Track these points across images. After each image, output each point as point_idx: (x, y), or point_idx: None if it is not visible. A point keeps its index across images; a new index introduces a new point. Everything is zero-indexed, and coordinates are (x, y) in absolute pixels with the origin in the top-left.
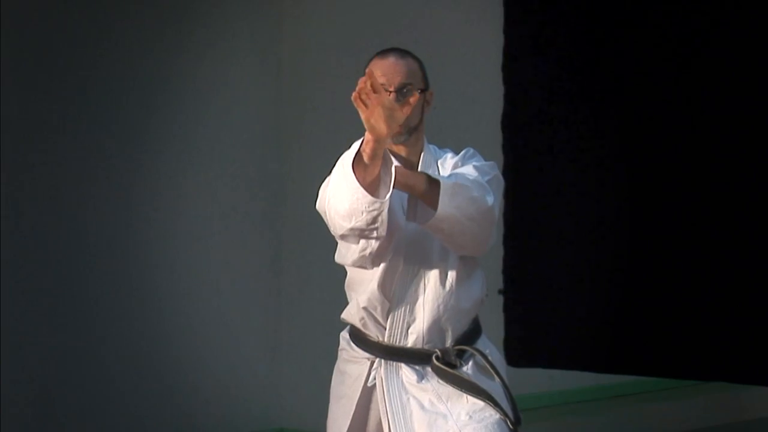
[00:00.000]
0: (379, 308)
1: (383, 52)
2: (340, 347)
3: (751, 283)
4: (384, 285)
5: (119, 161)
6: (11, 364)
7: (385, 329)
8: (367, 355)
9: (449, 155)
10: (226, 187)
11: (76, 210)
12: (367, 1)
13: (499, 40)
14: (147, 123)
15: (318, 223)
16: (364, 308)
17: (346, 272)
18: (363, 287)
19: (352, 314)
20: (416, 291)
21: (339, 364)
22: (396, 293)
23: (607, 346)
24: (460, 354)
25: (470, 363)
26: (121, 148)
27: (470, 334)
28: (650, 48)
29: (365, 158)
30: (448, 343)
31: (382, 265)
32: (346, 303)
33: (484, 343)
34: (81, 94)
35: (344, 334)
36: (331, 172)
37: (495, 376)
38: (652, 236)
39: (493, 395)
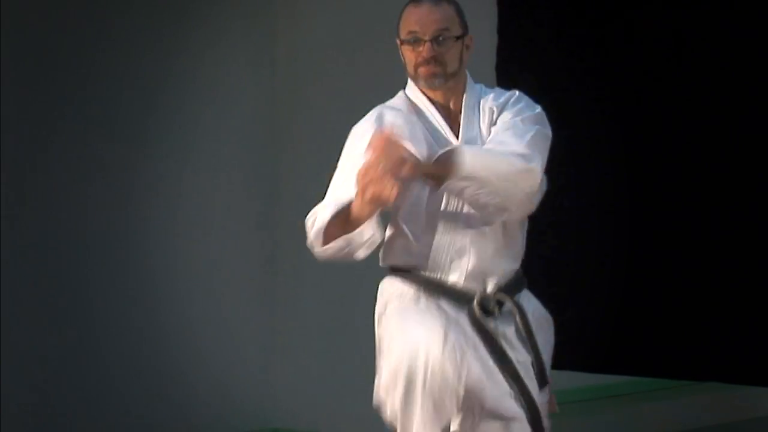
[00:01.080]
0: (423, 237)
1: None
2: (381, 289)
3: (746, 287)
4: (431, 214)
5: (115, 163)
6: (11, 364)
7: (428, 260)
8: (409, 283)
9: (491, 96)
10: (220, 188)
11: (74, 211)
12: (361, 2)
13: (492, 42)
14: (142, 125)
15: None
16: (409, 234)
17: (339, 277)
18: (411, 215)
19: (394, 249)
20: (462, 226)
21: (394, 311)
22: (441, 223)
23: (603, 348)
24: (500, 304)
25: (508, 324)
26: (117, 149)
27: (513, 285)
28: (645, 51)
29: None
30: (490, 289)
31: (430, 196)
32: (341, 304)
33: (527, 298)
34: (78, 95)
35: (387, 284)
36: (325, 177)
37: (528, 341)
38: (647, 241)
39: (519, 370)
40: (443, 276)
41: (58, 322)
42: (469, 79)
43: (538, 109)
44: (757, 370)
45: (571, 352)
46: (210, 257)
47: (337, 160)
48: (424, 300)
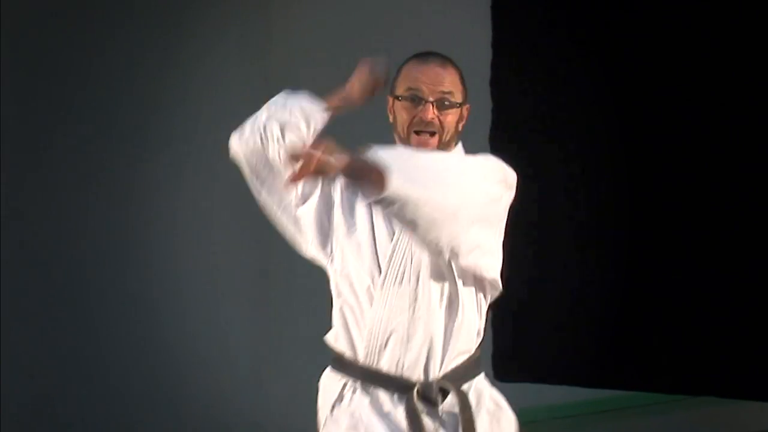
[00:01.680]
0: (357, 311)
1: (422, 55)
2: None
3: (740, 300)
4: (363, 283)
5: (112, 169)
6: (11, 364)
7: (362, 342)
8: (340, 376)
9: None
10: (215, 197)
11: (71, 216)
12: (355, 12)
13: (487, 52)
14: (137, 133)
15: None
16: (341, 310)
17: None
18: (345, 286)
19: (332, 333)
20: (401, 300)
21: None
22: (378, 297)
23: (596, 362)
24: (444, 393)
25: (450, 420)
26: (112, 158)
27: (463, 371)
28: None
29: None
30: (434, 375)
31: (366, 262)
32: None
33: (481, 389)
34: (75, 103)
35: (325, 379)
36: None
37: None
38: (641, 254)
39: None
40: (378, 363)
41: (55, 325)
42: (459, 148)
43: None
44: (752, 384)
45: (564, 367)
46: (204, 267)
47: None
48: (357, 399)
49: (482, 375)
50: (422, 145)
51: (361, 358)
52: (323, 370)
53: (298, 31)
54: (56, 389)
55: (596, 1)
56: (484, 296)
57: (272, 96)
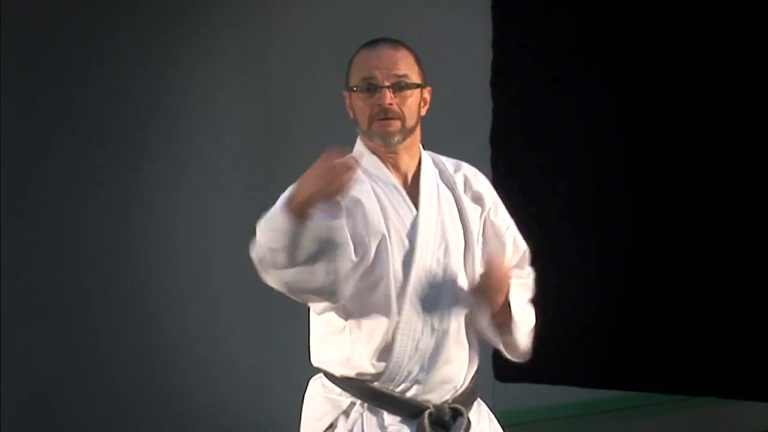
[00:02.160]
0: (374, 335)
1: (372, 43)
2: (307, 397)
3: (740, 301)
4: (387, 308)
5: (112, 174)
6: (11, 364)
7: (377, 366)
8: (347, 394)
9: (447, 165)
10: (214, 203)
11: (71, 221)
12: (356, 15)
13: (487, 54)
14: (136, 139)
15: None
16: (350, 333)
17: None
18: (366, 313)
19: (330, 351)
20: (424, 326)
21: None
22: (399, 324)
23: (596, 362)
24: (455, 416)
25: None
26: (111, 163)
27: (469, 393)
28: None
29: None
30: (445, 398)
31: (388, 293)
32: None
33: (479, 412)
34: (76, 100)
35: (314, 381)
36: None
37: None
38: (641, 254)
39: None
40: (395, 386)
41: (55, 326)
42: (420, 142)
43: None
44: (752, 384)
45: (563, 367)
46: (203, 273)
47: None
48: (362, 421)
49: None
50: (385, 128)
51: (375, 381)
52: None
53: (297, 32)
54: (56, 389)
55: (596, 2)
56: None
57: (272, 98)
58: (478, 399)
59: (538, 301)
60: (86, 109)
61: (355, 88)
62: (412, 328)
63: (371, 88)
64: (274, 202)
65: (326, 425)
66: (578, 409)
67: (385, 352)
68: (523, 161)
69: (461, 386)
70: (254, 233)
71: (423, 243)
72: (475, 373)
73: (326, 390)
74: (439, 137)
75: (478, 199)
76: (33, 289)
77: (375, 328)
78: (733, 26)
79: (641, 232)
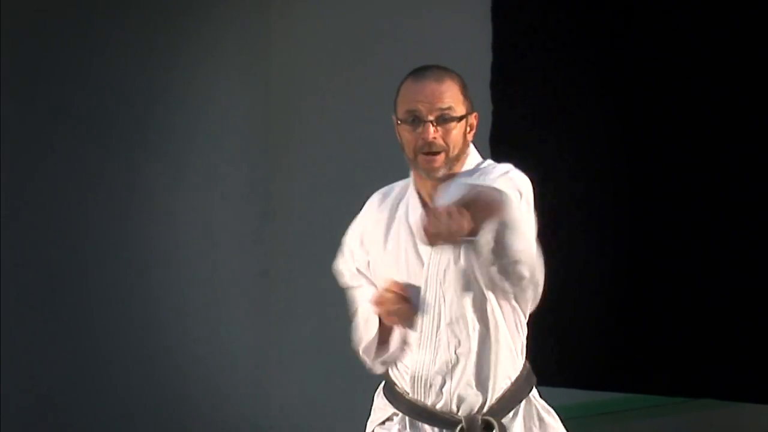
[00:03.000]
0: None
1: (418, 73)
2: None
3: (739, 303)
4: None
5: (113, 171)
6: (11, 364)
7: (408, 379)
8: (393, 410)
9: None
10: (214, 204)
11: (74, 214)
12: (355, 14)
13: (487, 57)
14: (136, 139)
15: (305, 240)
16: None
17: (332, 289)
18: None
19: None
20: (441, 341)
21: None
22: (418, 341)
23: (595, 364)
24: (489, 427)
25: None
26: (111, 165)
27: (510, 396)
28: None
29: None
30: (476, 409)
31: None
32: (334, 319)
33: (525, 411)
34: (76, 100)
35: (379, 402)
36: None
37: None
38: (640, 256)
39: None
40: (425, 399)
41: (55, 325)
42: (472, 154)
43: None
44: (752, 387)
45: (562, 369)
46: (204, 274)
47: (330, 177)
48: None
49: (532, 394)
50: (429, 164)
51: (409, 393)
52: (323, 370)
53: (297, 33)
54: (56, 389)
55: (596, 3)
56: (524, 312)
57: (271, 99)
58: (529, 400)
59: (539, 303)
60: (85, 110)
61: (400, 121)
62: (429, 341)
63: (416, 121)
64: (273, 203)
65: (376, 424)
66: (577, 411)
67: (410, 364)
68: (522, 161)
69: (491, 396)
70: (254, 234)
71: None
72: (518, 377)
73: (383, 394)
74: None
75: None
76: (33, 289)
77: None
78: (733, 24)
79: (641, 234)
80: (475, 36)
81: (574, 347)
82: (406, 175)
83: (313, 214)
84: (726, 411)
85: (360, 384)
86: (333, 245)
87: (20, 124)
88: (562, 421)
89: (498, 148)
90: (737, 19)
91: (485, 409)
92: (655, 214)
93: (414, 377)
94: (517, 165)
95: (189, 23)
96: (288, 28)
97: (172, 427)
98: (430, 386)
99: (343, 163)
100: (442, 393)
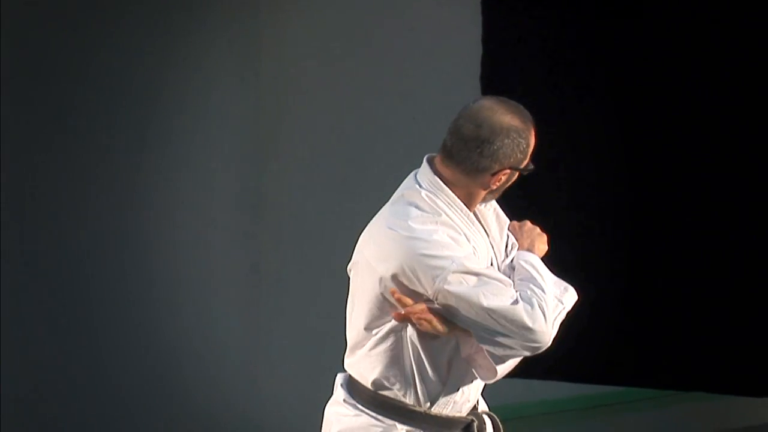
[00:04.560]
0: (433, 371)
1: (532, 121)
2: (341, 413)
3: (733, 298)
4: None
5: (109, 169)
6: (11, 364)
7: (431, 395)
8: (391, 422)
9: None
10: (205, 200)
11: (72, 213)
12: (346, 16)
13: (477, 50)
14: (129, 139)
15: (296, 236)
16: (412, 363)
17: (322, 285)
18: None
19: (389, 377)
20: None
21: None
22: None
23: (587, 358)
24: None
25: None
26: (105, 163)
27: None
28: (630, 58)
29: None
30: (473, 404)
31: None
32: (325, 314)
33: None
34: (75, 100)
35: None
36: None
37: None
38: (636, 251)
39: None
40: (443, 410)
41: (58, 323)
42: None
43: None
44: (744, 380)
45: (554, 363)
46: (194, 269)
47: (320, 174)
48: None
49: None
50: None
51: (424, 406)
52: (313, 365)
53: (288, 32)
54: (56, 389)
55: None
56: None
57: (261, 96)
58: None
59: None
60: (83, 108)
61: (524, 171)
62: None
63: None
64: (265, 201)
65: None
66: (568, 404)
67: (444, 385)
68: None
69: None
70: (245, 230)
71: None
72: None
73: (374, 412)
74: (430, 133)
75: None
76: (28, 285)
77: (433, 369)
78: (733, 23)
79: (637, 230)
80: (465, 29)
81: (564, 341)
82: (393, 171)
83: (303, 210)
84: (715, 404)
85: None
86: (322, 241)
87: (21, 113)
88: (552, 414)
89: None
90: (737, 18)
91: (484, 406)
92: (653, 209)
93: (444, 393)
94: None
95: (180, 23)
96: (278, 26)
97: (162, 421)
98: (457, 396)
99: (333, 160)
100: (463, 401)
